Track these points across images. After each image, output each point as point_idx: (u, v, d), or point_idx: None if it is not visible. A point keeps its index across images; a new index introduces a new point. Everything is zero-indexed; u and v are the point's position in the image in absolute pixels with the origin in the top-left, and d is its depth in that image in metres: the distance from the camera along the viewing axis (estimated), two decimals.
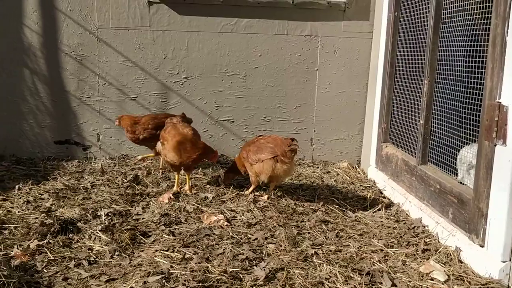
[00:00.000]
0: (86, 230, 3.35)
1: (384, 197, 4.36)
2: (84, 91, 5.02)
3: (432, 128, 3.78)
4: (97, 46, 4.95)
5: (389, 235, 3.53)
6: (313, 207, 3.94)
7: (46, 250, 3.03)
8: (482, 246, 2.98)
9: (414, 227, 3.65)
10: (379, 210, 4.01)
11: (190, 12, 4.97)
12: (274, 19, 5.10)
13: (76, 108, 5.06)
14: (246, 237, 3.29)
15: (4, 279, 2.56)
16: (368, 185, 4.66)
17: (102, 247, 3.12)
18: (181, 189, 4.20)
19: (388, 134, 4.57)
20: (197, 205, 3.83)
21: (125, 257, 3.01)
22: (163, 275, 2.72)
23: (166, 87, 5.11)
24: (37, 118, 5.00)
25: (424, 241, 3.39)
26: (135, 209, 3.77)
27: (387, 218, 3.85)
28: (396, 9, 4.36)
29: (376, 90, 4.80)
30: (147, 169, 4.76)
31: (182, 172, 4.21)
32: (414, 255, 3.21)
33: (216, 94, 5.20)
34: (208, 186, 4.39)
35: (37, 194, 4.02)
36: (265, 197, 4.06)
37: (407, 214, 3.93)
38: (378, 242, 3.35)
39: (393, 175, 4.35)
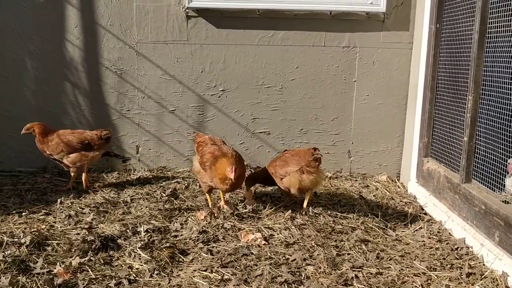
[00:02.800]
0: (126, 247, 3.39)
1: (425, 214, 4.25)
2: (123, 104, 5.11)
3: (477, 145, 3.65)
4: (136, 60, 5.02)
5: (431, 256, 3.43)
6: (352, 225, 3.87)
7: (88, 268, 3.08)
8: None
9: (458, 248, 3.54)
10: (420, 228, 3.91)
11: (227, 26, 4.98)
12: (312, 31, 5.05)
13: (116, 121, 5.15)
14: (284, 258, 3.26)
15: None
16: (408, 201, 4.55)
17: (141, 265, 3.16)
18: (216, 206, 4.18)
19: (429, 149, 4.46)
20: (234, 222, 3.82)
21: (164, 276, 3.03)
22: None
23: (203, 100, 5.14)
24: None
25: (469, 264, 3.28)
26: (173, 225, 3.79)
27: (429, 238, 3.75)
28: (437, 20, 4.25)
29: (417, 103, 4.69)
30: (186, 183, 4.79)
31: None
32: (458, 279, 3.11)
33: (253, 107, 5.19)
34: (245, 200, 4.37)
35: (78, 208, 4.11)
36: (304, 209, 4.07)
37: (449, 233, 3.81)
38: (420, 264, 3.27)
39: (434, 191, 4.23)
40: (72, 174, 4.62)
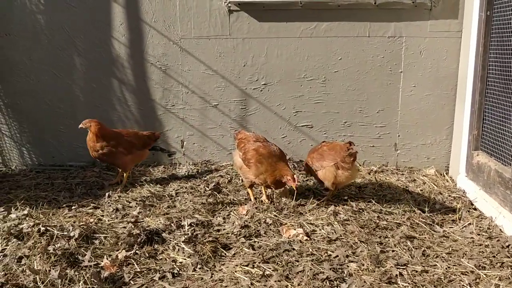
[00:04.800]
0: (170, 241, 3.45)
1: (475, 209, 4.10)
2: (168, 99, 5.19)
3: None
4: (180, 56, 5.08)
5: (480, 254, 3.30)
6: (397, 221, 3.78)
7: (133, 261, 3.16)
8: None
9: (509, 245, 3.40)
10: (469, 224, 3.77)
11: (269, 19, 4.95)
12: (355, 21, 4.94)
13: (161, 116, 5.24)
14: (326, 254, 3.23)
15: None
16: (457, 195, 4.40)
17: (185, 259, 3.21)
18: (258, 200, 4.19)
19: (479, 142, 4.29)
20: (276, 217, 3.81)
21: (207, 270, 3.07)
22: None
23: (245, 94, 5.15)
24: (125, 125, 5.22)
25: None
26: (216, 219, 3.84)
27: (478, 234, 3.61)
28: (488, 8, 4.06)
29: (466, 94, 4.50)
30: (229, 177, 4.82)
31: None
32: (509, 278, 2.98)
33: (295, 100, 5.15)
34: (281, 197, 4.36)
35: (125, 202, 4.22)
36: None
37: (500, 230, 3.66)
38: (468, 262, 3.15)
39: (485, 186, 4.07)
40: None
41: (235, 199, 4.26)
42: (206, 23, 4.99)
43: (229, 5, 4.91)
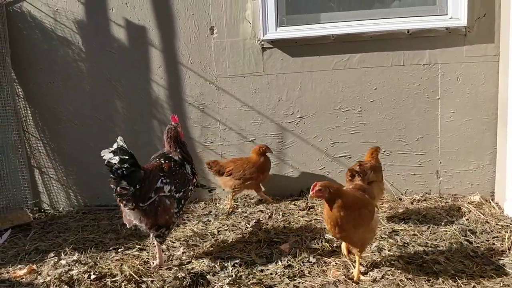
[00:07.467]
0: (215, 283, 3.47)
1: None
2: (207, 137, 5.30)
3: None
4: (216, 94, 5.20)
5: None
6: (444, 254, 3.69)
7: None
8: None
9: None
10: None
11: (302, 54, 5.02)
12: (389, 51, 4.95)
13: (201, 153, 5.34)
14: None
15: None
16: (505, 223, 4.27)
17: None
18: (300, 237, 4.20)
19: None
20: (319, 255, 3.79)
21: None
22: None
23: (281, 127, 5.19)
24: None
25: None
26: (259, 258, 3.84)
27: None
28: None
29: (508, 119, 4.41)
30: (269, 212, 4.84)
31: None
32: None
33: (331, 131, 5.16)
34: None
35: (169, 242, 4.28)
36: None
37: None
38: None
39: None
40: None
41: (276, 236, 4.26)
42: (241, 61, 5.10)
43: (262, 43, 5.01)
